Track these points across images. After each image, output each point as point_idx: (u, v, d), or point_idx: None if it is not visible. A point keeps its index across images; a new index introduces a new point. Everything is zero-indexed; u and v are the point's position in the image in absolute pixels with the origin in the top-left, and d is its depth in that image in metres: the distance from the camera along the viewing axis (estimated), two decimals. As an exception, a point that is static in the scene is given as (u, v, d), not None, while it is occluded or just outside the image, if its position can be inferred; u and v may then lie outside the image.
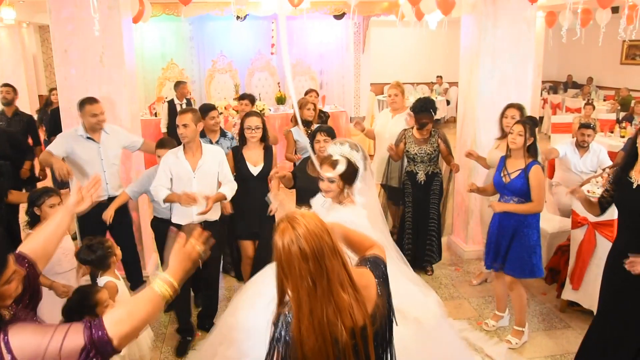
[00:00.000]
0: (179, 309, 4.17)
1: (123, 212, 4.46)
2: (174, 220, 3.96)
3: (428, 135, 4.91)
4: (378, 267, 1.88)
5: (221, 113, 8.86)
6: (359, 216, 2.76)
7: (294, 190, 4.26)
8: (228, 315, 3.06)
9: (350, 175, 2.81)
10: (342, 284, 1.66)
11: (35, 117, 7.50)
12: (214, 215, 4.00)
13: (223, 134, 5.00)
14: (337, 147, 2.86)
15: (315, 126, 5.29)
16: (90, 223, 4.07)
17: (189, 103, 8.29)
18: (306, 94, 6.24)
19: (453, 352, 3.00)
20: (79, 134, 4.31)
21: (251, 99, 5.79)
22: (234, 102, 9.11)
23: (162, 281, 1.73)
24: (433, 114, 4.88)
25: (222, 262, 5.39)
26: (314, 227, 1.65)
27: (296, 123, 5.39)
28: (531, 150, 3.76)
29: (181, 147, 3.93)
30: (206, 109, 4.93)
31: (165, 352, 4.07)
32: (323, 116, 6.06)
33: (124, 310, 1.65)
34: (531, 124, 3.77)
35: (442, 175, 5.12)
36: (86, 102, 4.23)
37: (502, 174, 3.87)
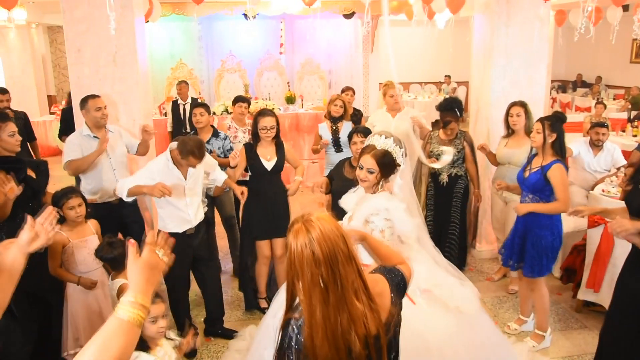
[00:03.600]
0: (175, 313, 4.06)
1: (135, 212, 4.45)
2: (168, 230, 3.77)
3: (454, 136, 4.83)
4: (394, 276, 1.83)
5: (230, 113, 8.87)
6: (392, 203, 2.76)
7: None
8: (270, 317, 2.95)
9: (389, 168, 2.79)
10: (357, 292, 1.61)
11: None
12: (202, 214, 4.00)
13: (215, 133, 4.96)
14: (382, 140, 2.82)
15: (342, 123, 5.29)
16: (102, 225, 4.00)
17: (193, 102, 8.21)
18: (342, 92, 6.17)
19: (493, 341, 2.98)
20: (84, 134, 4.27)
21: (248, 101, 5.78)
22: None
23: (128, 305, 1.45)
24: (458, 113, 4.83)
25: (232, 264, 5.39)
26: (329, 231, 1.59)
27: (329, 118, 5.37)
28: (555, 147, 3.66)
29: (170, 158, 3.73)
30: (192, 106, 4.97)
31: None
32: (358, 114, 6.03)
33: (95, 349, 1.40)
34: (552, 120, 3.67)
35: (465, 178, 4.99)
36: (89, 98, 4.23)
37: (525, 170, 3.84)
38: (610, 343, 3.24)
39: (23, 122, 6.28)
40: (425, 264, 2.86)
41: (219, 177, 4.07)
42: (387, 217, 2.75)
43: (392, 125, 5.32)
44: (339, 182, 4.10)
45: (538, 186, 3.68)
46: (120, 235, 4.25)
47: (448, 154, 2.70)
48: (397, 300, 1.76)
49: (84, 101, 4.24)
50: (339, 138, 5.14)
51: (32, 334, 3.28)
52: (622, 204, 3.37)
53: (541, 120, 3.72)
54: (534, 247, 3.77)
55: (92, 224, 3.65)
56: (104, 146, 4.13)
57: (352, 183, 3.87)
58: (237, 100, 5.61)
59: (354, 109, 6.09)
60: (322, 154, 5.58)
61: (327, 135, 5.23)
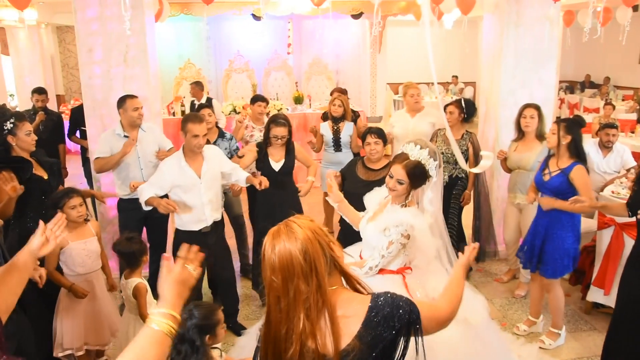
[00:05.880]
0: None
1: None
2: (184, 229, 3.84)
3: (460, 137, 4.84)
4: (387, 307, 1.61)
5: (239, 112, 8.89)
6: (418, 219, 2.71)
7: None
8: None
9: (419, 180, 2.73)
10: (309, 309, 1.57)
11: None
12: (219, 214, 4.02)
13: (221, 134, 4.95)
14: (416, 150, 2.73)
15: (344, 123, 5.33)
16: (129, 218, 4.23)
17: (209, 101, 8.28)
18: (331, 94, 6.24)
19: (498, 353, 2.97)
20: (116, 132, 4.30)
21: (267, 101, 5.80)
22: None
23: (161, 317, 1.54)
24: (462, 106, 4.80)
25: (239, 263, 5.40)
26: (292, 246, 1.59)
27: (327, 119, 5.41)
28: (571, 150, 3.65)
29: (182, 154, 3.77)
30: (198, 108, 5.06)
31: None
32: (354, 114, 6.05)
33: (133, 357, 1.47)
34: (568, 122, 3.68)
35: (465, 180, 4.95)
36: (127, 97, 4.26)
37: (543, 173, 3.83)
38: (618, 346, 3.24)
39: (55, 124, 6.30)
40: (437, 274, 2.84)
41: (241, 177, 4.04)
42: (408, 233, 2.71)
43: (411, 125, 5.35)
44: (350, 183, 4.08)
45: (562, 189, 3.66)
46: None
47: (487, 158, 2.61)
48: (367, 335, 1.58)
49: (122, 100, 4.25)
50: (340, 138, 5.19)
51: (46, 333, 3.32)
52: None
53: (557, 121, 3.73)
54: (555, 248, 3.75)
55: (93, 226, 3.61)
56: (127, 149, 4.17)
57: (365, 183, 3.86)
58: (256, 99, 5.63)
59: (351, 109, 6.12)
60: (320, 152, 5.63)
61: (328, 135, 5.29)
